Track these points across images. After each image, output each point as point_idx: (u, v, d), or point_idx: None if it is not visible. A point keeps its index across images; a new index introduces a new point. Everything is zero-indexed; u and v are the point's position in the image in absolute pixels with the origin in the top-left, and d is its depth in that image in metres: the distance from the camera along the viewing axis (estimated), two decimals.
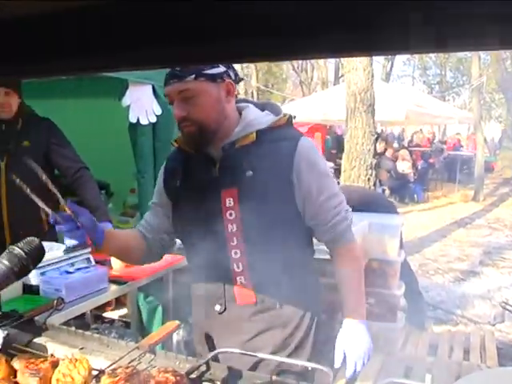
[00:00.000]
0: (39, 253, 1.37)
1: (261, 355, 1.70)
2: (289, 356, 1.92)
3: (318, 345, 2.03)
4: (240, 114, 1.96)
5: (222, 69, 1.84)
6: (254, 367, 1.84)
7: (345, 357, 1.92)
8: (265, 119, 1.93)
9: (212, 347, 1.95)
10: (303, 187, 1.87)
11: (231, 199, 1.85)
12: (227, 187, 1.87)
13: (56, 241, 3.43)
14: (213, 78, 1.82)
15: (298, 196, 1.88)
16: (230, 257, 1.88)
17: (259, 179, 1.84)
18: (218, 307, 1.96)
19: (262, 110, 2.00)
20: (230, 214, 1.85)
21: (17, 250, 1.31)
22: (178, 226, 2.06)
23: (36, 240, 1.37)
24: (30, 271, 1.35)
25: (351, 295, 2.00)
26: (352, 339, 1.93)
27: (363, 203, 4.66)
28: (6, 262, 1.29)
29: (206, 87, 1.82)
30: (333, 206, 1.93)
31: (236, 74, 1.92)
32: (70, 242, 1.79)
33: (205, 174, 1.94)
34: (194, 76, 1.78)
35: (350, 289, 2.00)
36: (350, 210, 2.01)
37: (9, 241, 3.41)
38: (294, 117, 2.03)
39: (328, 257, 3.44)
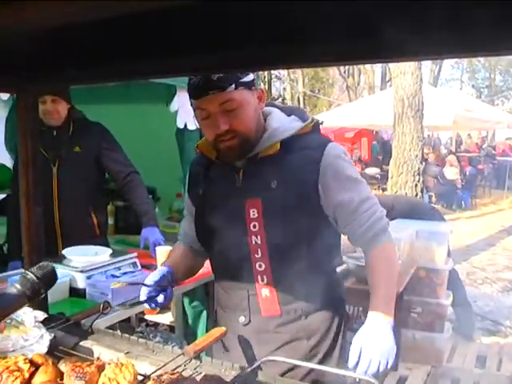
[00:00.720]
0: (51, 277, 1.44)
1: (307, 364, 1.68)
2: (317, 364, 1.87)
3: (346, 351, 1.94)
4: (265, 120, 1.90)
5: (252, 75, 1.78)
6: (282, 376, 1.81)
7: (361, 353, 1.77)
8: (290, 126, 1.86)
9: (251, 357, 1.92)
10: (332, 196, 1.81)
11: (255, 210, 1.80)
12: (251, 198, 1.82)
13: (107, 245, 3.50)
14: (249, 86, 1.76)
15: (326, 206, 1.83)
16: (254, 269, 1.84)
17: (284, 190, 1.79)
18: (242, 319, 1.93)
19: (289, 116, 1.93)
20: (254, 226, 1.81)
21: (30, 274, 1.38)
22: (200, 234, 2.03)
23: (49, 265, 1.46)
24: (41, 294, 1.42)
25: (380, 291, 1.85)
26: (372, 335, 1.78)
27: (409, 212, 4.61)
28: (19, 286, 1.36)
29: (246, 96, 1.75)
30: (366, 209, 1.85)
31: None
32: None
33: (228, 182, 1.89)
34: (234, 85, 1.71)
35: (380, 285, 1.87)
36: (385, 211, 1.92)
37: (60, 245, 3.44)
38: (321, 122, 1.95)
39: (362, 263, 3.42)
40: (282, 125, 1.86)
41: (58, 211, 3.45)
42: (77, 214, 3.48)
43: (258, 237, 1.81)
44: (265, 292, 1.86)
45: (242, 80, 1.73)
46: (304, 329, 1.90)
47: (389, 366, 1.77)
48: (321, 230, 1.83)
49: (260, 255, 1.82)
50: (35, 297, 1.40)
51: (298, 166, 1.80)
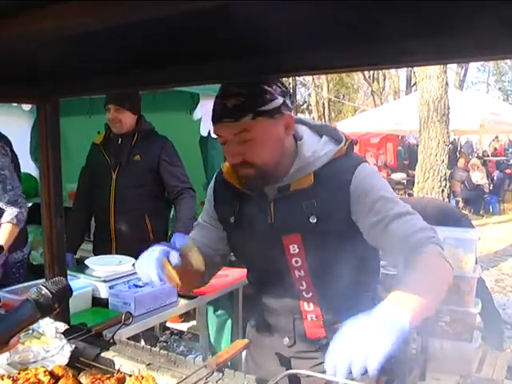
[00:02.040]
0: (65, 293, 1.44)
1: (329, 377, 1.64)
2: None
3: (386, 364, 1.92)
4: (296, 141, 1.77)
5: (279, 100, 1.61)
6: None
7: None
8: (323, 153, 1.72)
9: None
10: (363, 220, 1.68)
11: (295, 246, 1.72)
12: (289, 234, 1.73)
13: None
14: (271, 115, 1.60)
15: (364, 230, 1.70)
16: (299, 297, 1.81)
17: (324, 224, 1.69)
18: (286, 340, 1.89)
19: (320, 136, 1.80)
20: (296, 262, 1.74)
21: (44, 290, 1.38)
22: (238, 258, 2.04)
23: (63, 280, 1.46)
24: (55, 310, 1.41)
25: (413, 281, 1.45)
26: (366, 325, 1.30)
27: (439, 218, 4.55)
28: (33, 301, 1.36)
29: (265, 127, 1.60)
30: (400, 223, 1.64)
31: (293, 102, 1.71)
32: None
33: (260, 215, 1.78)
34: (251, 116, 1.57)
35: (416, 276, 1.47)
36: (431, 227, 1.66)
37: (114, 247, 3.60)
38: (356, 142, 1.83)
39: (387, 271, 3.35)
40: (315, 152, 1.72)
41: (113, 215, 3.60)
42: (131, 218, 3.59)
43: (302, 270, 1.75)
44: (311, 316, 1.83)
45: (261, 109, 1.58)
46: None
47: (370, 370, 1.23)
48: (363, 253, 1.75)
49: (305, 286, 1.77)
50: (48, 312, 1.40)
51: (333, 195, 1.69)
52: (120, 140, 3.61)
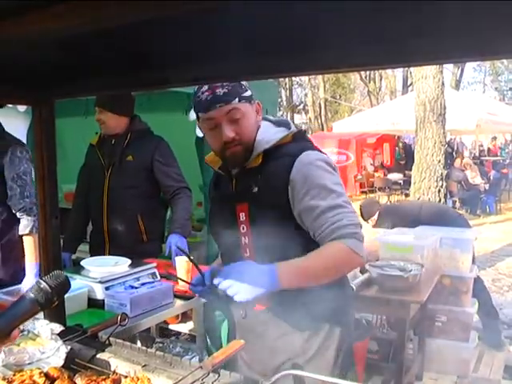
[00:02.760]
0: (64, 287, 1.47)
1: (322, 378, 1.64)
2: (307, 362, 1.98)
3: (343, 356, 2.02)
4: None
5: (250, 91, 1.98)
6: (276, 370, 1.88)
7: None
8: (271, 138, 2.01)
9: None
10: (297, 202, 1.92)
11: (243, 214, 1.99)
12: (240, 203, 2.01)
13: (156, 251, 3.67)
14: (250, 100, 1.98)
15: (294, 211, 1.94)
16: None
17: (263, 196, 1.96)
18: (240, 312, 2.12)
19: (278, 127, 2.08)
20: (243, 228, 2.00)
21: (43, 284, 1.40)
22: (213, 233, 2.26)
23: (62, 275, 1.47)
24: (54, 303, 1.43)
25: (301, 261, 1.83)
26: (255, 269, 1.79)
27: (435, 218, 4.56)
28: (32, 295, 1.38)
29: (247, 109, 1.97)
30: (330, 216, 1.87)
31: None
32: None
33: (225, 190, 2.12)
34: (237, 99, 1.93)
35: (309, 259, 1.84)
36: (357, 221, 1.92)
37: (108, 248, 3.62)
38: (304, 131, 2.15)
39: (398, 273, 3.37)
40: (265, 137, 2.02)
41: (106, 216, 3.62)
42: (124, 219, 3.60)
43: (246, 237, 2.00)
44: None
45: (243, 94, 1.95)
46: (294, 324, 2.00)
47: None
48: (299, 234, 1.94)
49: (248, 254, 2.00)
50: (48, 305, 1.41)
51: (274, 173, 1.96)
52: (113, 141, 3.62)
